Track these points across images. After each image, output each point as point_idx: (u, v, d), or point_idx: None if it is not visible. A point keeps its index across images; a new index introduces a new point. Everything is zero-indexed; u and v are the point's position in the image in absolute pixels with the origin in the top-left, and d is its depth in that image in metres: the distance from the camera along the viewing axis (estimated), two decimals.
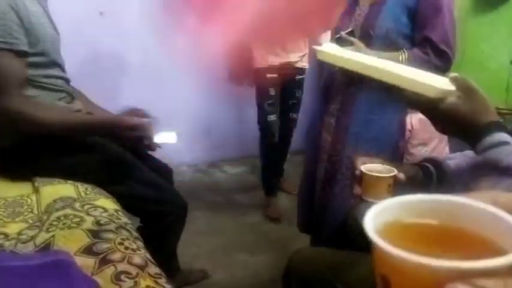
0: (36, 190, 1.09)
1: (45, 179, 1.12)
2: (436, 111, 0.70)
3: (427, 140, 2.42)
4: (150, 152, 1.33)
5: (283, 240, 2.04)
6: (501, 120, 0.70)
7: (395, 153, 1.42)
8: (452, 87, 0.70)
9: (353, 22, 1.34)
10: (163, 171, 1.44)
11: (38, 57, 1.12)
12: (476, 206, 0.24)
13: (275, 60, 2.24)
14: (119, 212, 0.98)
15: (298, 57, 2.29)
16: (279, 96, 2.33)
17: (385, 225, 0.24)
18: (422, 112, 0.77)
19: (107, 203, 1.00)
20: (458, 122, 0.69)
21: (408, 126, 2.40)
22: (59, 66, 1.21)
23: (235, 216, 2.28)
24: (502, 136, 0.65)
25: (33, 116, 1.08)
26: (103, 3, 2.52)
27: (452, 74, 0.73)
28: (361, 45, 1.25)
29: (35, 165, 1.12)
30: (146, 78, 2.76)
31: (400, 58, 1.24)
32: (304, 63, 2.34)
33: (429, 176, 0.83)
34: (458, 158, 0.87)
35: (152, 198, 1.15)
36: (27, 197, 1.06)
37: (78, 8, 2.41)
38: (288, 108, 2.41)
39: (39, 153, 1.12)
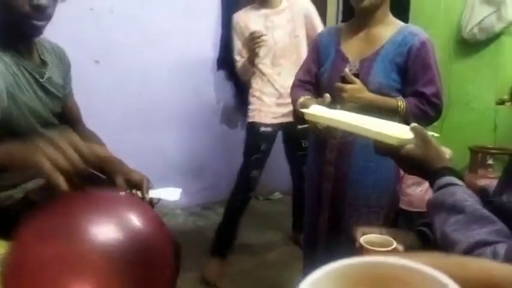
0: None
1: None
2: (398, 155, 0.82)
3: (421, 180, 2.44)
4: None
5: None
6: (450, 166, 0.80)
7: (393, 197, 1.46)
8: (411, 136, 0.83)
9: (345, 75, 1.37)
10: None
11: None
12: (408, 265, 0.23)
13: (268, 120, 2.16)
14: None
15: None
16: (269, 151, 2.21)
17: None
18: (388, 156, 0.88)
19: None
20: (416, 166, 0.82)
21: None
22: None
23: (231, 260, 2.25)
24: (450, 179, 0.75)
25: None
26: (99, 52, 2.60)
27: (413, 124, 0.86)
28: (362, 86, 1.30)
29: None
30: (137, 123, 2.79)
31: (399, 104, 1.29)
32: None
33: (427, 240, 0.84)
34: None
35: None
36: None
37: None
38: (296, 161, 2.25)
39: None
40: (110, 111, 2.67)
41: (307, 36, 2.10)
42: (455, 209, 0.67)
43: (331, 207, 1.45)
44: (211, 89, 3.07)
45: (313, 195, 1.52)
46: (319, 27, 2.11)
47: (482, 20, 2.44)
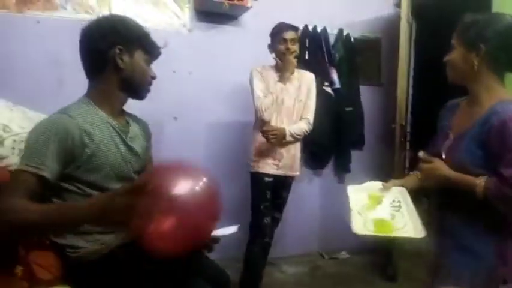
0: None
1: None
2: None
3: None
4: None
5: None
6: None
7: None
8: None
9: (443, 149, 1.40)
10: (220, 279, 1.43)
11: (90, 189, 1.19)
12: None
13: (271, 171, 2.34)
14: None
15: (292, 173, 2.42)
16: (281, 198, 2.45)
17: None
18: None
19: None
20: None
21: None
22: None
23: None
24: None
25: (25, 212, 1.01)
26: (177, 109, 2.81)
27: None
28: (438, 164, 1.33)
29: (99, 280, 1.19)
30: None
31: (477, 183, 1.24)
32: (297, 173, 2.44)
33: None
34: None
35: None
36: None
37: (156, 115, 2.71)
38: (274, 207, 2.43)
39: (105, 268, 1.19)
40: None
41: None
42: None
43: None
44: None
45: None
46: (313, 99, 2.45)
47: None
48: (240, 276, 2.38)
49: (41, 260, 1.18)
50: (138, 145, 1.38)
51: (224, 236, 1.34)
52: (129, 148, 1.32)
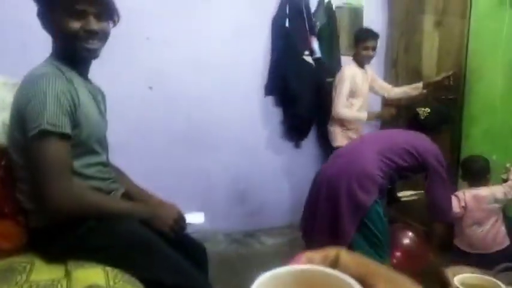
0: (67, 274, 1.09)
1: (77, 262, 1.13)
2: None
3: (482, 219, 2.25)
4: None
5: None
6: None
7: None
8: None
9: None
10: (196, 250, 1.42)
11: (79, 148, 1.18)
12: (324, 271, 0.30)
13: None
14: None
15: None
16: None
17: None
18: None
19: None
20: None
21: (462, 203, 2.26)
22: (99, 153, 1.26)
23: None
24: None
25: (85, 201, 1.14)
26: (152, 78, 2.70)
27: None
28: None
29: (65, 246, 1.14)
30: (184, 146, 2.84)
31: None
32: None
33: None
34: None
35: (177, 286, 1.12)
36: (58, 282, 1.06)
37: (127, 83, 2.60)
38: None
39: (69, 234, 1.14)
40: (159, 133, 2.75)
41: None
42: None
43: None
44: (258, 114, 3.08)
45: None
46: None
47: None
48: None
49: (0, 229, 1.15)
50: (103, 108, 1.36)
51: (191, 225, 1.37)
52: (100, 110, 1.30)
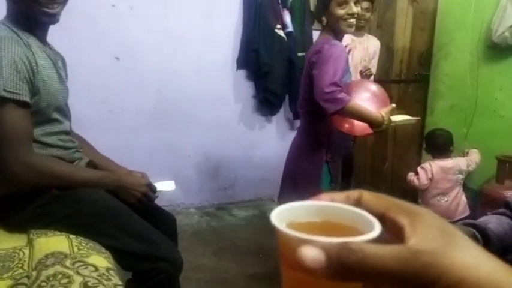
0: (30, 242, 1.06)
1: (40, 231, 1.10)
2: None
3: (447, 190, 2.35)
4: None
5: None
6: None
7: None
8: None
9: None
10: (165, 220, 1.41)
11: (39, 116, 1.13)
12: (345, 207, 0.31)
13: None
14: (110, 271, 0.94)
15: None
16: None
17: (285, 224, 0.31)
18: None
19: (99, 261, 0.96)
20: None
21: (429, 174, 2.33)
22: (60, 121, 1.22)
23: (243, 265, 2.20)
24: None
25: (44, 169, 1.10)
26: (119, 49, 2.60)
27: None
28: None
29: (27, 216, 1.11)
30: (155, 121, 2.79)
31: None
32: None
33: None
34: (493, 222, 0.83)
35: (145, 255, 1.10)
36: (20, 250, 1.03)
37: (96, 52, 2.49)
38: None
39: (32, 204, 1.11)
40: (128, 107, 2.68)
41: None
42: None
43: None
44: (230, 88, 3.04)
45: None
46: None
47: None
48: None
49: None
50: (64, 75, 1.30)
51: (162, 192, 1.36)
52: (61, 77, 1.24)
